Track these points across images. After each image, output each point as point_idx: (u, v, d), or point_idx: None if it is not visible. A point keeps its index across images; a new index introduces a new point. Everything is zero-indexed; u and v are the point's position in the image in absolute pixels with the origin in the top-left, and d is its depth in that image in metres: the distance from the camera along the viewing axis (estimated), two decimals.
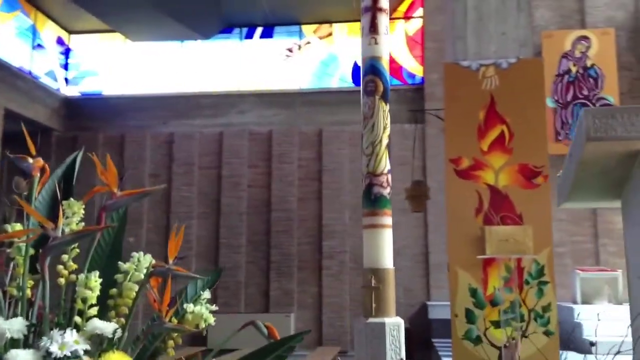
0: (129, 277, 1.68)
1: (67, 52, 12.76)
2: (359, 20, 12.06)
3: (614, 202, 2.00)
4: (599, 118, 1.73)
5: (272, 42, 12.40)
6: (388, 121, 3.65)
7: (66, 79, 12.65)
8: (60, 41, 12.63)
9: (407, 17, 12.11)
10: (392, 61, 11.86)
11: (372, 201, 3.58)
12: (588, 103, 10.69)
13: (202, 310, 1.91)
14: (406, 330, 9.56)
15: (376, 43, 3.69)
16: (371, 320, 3.73)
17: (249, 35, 12.49)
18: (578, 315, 8.87)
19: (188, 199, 11.39)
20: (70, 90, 12.56)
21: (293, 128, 11.45)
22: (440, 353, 8.74)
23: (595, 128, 1.71)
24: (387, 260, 3.47)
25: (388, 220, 3.61)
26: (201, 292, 2.24)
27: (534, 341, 5.08)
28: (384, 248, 3.48)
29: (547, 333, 5.14)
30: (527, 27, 5.69)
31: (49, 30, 12.30)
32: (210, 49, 12.44)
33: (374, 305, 3.43)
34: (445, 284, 10.14)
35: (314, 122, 11.51)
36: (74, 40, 12.82)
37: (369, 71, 3.75)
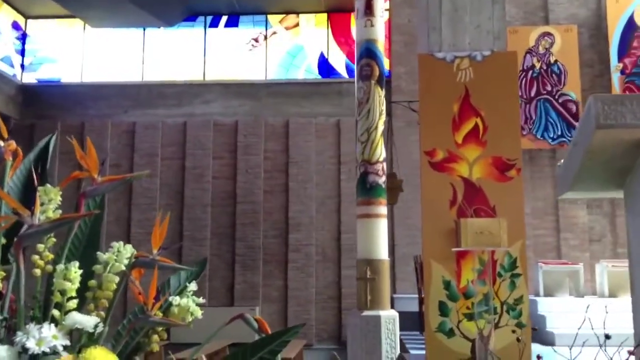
0: (109, 268, 1.60)
1: (23, 38, 12.25)
2: (325, 12, 12.05)
3: (616, 192, 1.97)
4: (608, 104, 1.68)
5: (238, 31, 12.18)
6: (384, 107, 3.54)
7: (22, 65, 12.15)
8: (16, 26, 12.11)
9: None
10: None
11: (367, 190, 3.47)
12: (551, 99, 10.86)
13: (188, 303, 1.82)
14: None
15: (372, 25, 3.55)
16: (366, 313, 3.61)
17: (214, 24, 12.23)
18: (541, 307, 9.03)
19: (150, 190, 11.11)
20: (27, 77, 12.07)
21: (259, 119, 11.29)
22: (407, 346, 8.75)
23: (605, 115, 1.66)
24: (382, 250, 3.37)
25: (383, 209, 3.50)
26: (187, 284, 2.13)
27: (505, 334, 5.10)
28: (379, 238, 3.37)
29: (519, 325, 5.16)
30: (502, 19, 5.68)
31: (4, 14, 11.78)
32: (174, 37, 12.14)
33: (368, 297, 3.31)
34: (411, 277, 10.21)
35: (281, 113, 11.37)
36: (30, 25, 12.31)
37: (364, 54, 3.62)
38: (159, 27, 12.06)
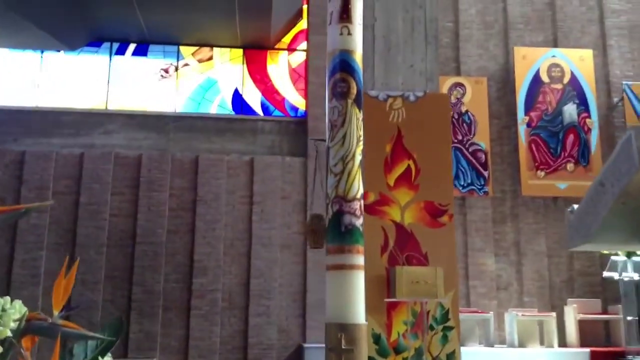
0: None
1: None
2: (241, 47, 11.68)
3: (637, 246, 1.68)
4: None
5: (146, 60, 11.51)
6: (362, 132, 3.09)
7: None
8: None
9: (290, 49, 11.85)
10: (274, 92, 11.51)
11: (342, 234, 2.93)
12: (462, 147, 11.03)
13: None
14: None
15: (349, 34, 3.07)
16: None
17: (121, 51, 11.49)
18: None
19: (38, 227, 9.97)
20: None
21: (165, 154, 10.56)
22: None
23: None
24: (359, 312, 2.80)
25: (360, 259, 2.97)
26: (98, 358, 1.61)
27: None
28: (356, 296, 2.82)
29: None
30: (434, 61, 5.55)
31: None
32: (75, 62, 11.25)
33: None
34: (322, 325, 9.74)
35: (190, 148, 10.72)
36: None
37: (338, 68, 3.15)
38: (59, 51, 11.15)
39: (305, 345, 9.68)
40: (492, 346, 9.31)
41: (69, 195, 10.24)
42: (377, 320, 4.86)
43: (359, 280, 2.91)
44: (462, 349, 9.22)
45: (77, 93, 11.09)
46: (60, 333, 1.16)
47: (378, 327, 4.84)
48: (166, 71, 11.48)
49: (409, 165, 5.19)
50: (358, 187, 2.99)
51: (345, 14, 3.08)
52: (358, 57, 3.18)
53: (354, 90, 3.11)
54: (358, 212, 2.98)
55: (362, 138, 3.11)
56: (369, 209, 5.06)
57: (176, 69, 11.46)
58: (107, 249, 10.02)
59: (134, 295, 9.87)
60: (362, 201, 3.09)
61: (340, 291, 2.84)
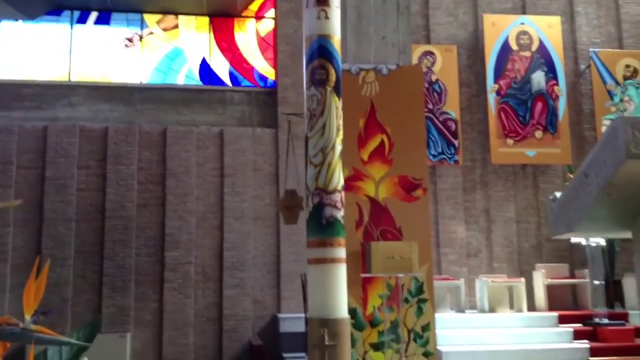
0: None
1: None
2: (207, 15, 11.38)
3: (623, 233, 1.68)
4: (639, 129, 1.37)
5: (109, 29, 11.14)
6: (341, 121, 3.00)
7: None
8: None
9: (258, 16, 11.60)
10: (243, 61, 11.29)
11: (322, 227, 2.86)
12: (432, 116, 11.04)
13: None
14: (257, 346, 9.01)
15: (327, 17, 2.95)
16: None
17: (82, 20, 11.09)
18: None
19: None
20: None
21: (132, 126, 10.33)
22: None
23: (636, 142, 1.35)
24: (342, 306, 2.75)
25: (342, 252, 2.92)
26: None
27: None
28: (338, 290, 2.78)
29: (426, 354, 4.92)
30: (406, 32, 5.48)
31: None
32: (35, 32, 10.83)
33: None
34: (297, 295, 9.80)
35: (157, 120, 10.50)
36: None
37: (317, 54, 3.04)
38: (17, 20, 10.70)
39: (280, 315, 9.75)
40: (463, 312, 9.50)
41: (33, 169, 9.98)
42: (353, 294, 4.88)
43: (341, 274, 2.88)
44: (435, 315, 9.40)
45: (38, 64, 10.70)
46: (33, 339, 1.11)
47: (354, 301, 4.86)
48: (130, 40, 11.14)
49: (382, 139, 5.16)
50: (339, 178, 2.94)
51: None
52: (337, 42, 3.09)
53: (333, 78, 3.03)
54: (339, 204, 2.93)
55: (341, 127, 3.04)
56: (344, 185, 5.03)
57: (140, 38, 11.14)
58: (75, 223, 9.84)
59: (106, 270, 9.75)
60: (342, 193, 3.04)
61: (322, 286, 2.81)
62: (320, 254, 2.88)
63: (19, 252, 9.64)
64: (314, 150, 2.92)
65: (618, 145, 1.37)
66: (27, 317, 1.19)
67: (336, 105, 3.00)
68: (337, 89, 3.05)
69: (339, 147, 2.93)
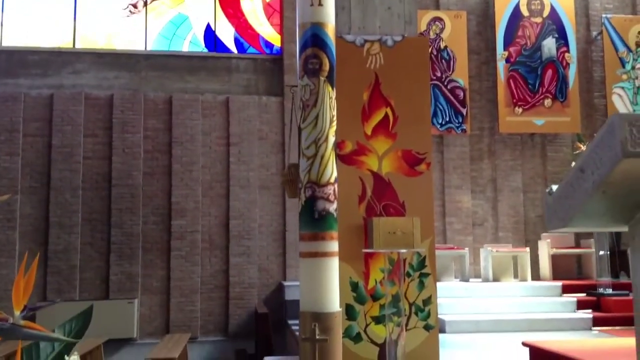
0: None
1: None
2: None
3: (619, 227, 1.66)
4: (637, 127, 1.33)
5: None
6: (335, 112, 2.94)
7: None
8: None
9: None
10: (248, 27, 11.14)
11: (315, 220, 2.84)
12: (440, 85, 10.91)
13: None
14: (262, 313, 9.12)
15: (320, 4, 2.88)
16: None
17: None
18: None
19: (10, 170, 9.78)
20: None
21: (138, 94, 10.28)
22: (298, 334, 8.44)
23: (634, 140, 1.32)
24: (333, 300, 2.75)
25: (334, 246, 2.90)
26: (64, 353, 1.57)
27: (415, 336, 4.87)
28: (330, 284, 2.77)
29: (427, 327, 4.96)
30: (413, 2, 5.36)
31: None
32: None
33: None
34: None
35: (163, 88, 10.44)
36: None
37: (310, 42, 2.99)
38: None
39: (285, 283, 9.85)
40: (468, 281, 9.55)
41: (40, 137, 10.00)
42: (355, 268, 4.91)
43: (333, 267, 2.88)
44: (438, 284, 9.48)
45: (43, 31, 10.62)
46: (20, 335, 1.11)
47: (356, 276, 4.89)
48: (135, 6, 11.00)
49: (386, 113, 5.11)
50: (332, 171, 2.90)
51: None
52: (330, 30, 3.02)
53: (327, 67, 2.96)
54: (332, 197, 2.90)
55: (335, 118, 2.98)
56: (347, 159, 5.02)
57: (145, 4, 10.99)
58: (82, 191, 9.90)
59: (113, 237, 9.85)
60: (335, 185, 3.01)
61: (314, 279, 2.80)
62: (313, 248, 2.87)
63: (27, 220, 9.74)
64: (307, 142, 2.88)
65: (614, 143, 1.34)
66: (17, 312, 1.18)
67: (330, 96, 2.95)
68: (330, 79, 2.99)
69: (332, 139, 2.89)
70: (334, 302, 2.80)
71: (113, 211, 9.90)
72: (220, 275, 9.96)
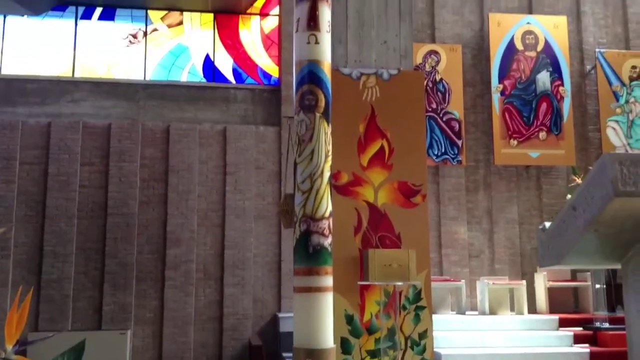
0: None
1: None
2: (212, 12, 11.35)
3: (612, 264, 1.66)
4: (627, 166, 1.35)
5: (114, 25, 11.13)
6: (330, 147, 2.98)
7: None
8: None
9: (263, 14, 11.57)
10: (247, 58, 11.27)
11: (309, 255, 2.85)
12: (436, 116, 11.00)
13: None
14: (256, 345, 9.01)
15: (317, 42, 2.95)
16: None
17: (87, 16, 11.08)
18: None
19: (5, 198, 9.75)
20: None
21: (136, 123, 10.33)
22: None
23: (624, 180, 1.33)
24: (327, 336, 2.74)
25: (329, 281, 2.91)
26: None
27: None
28: (324, 320, 2.76)
29: None
30: (408, 37, 5.44)
31: None
32: (40, 28, 10.84)
33: None
34: None
35: (161, 117, 10.49)
36: None
37: (306, 79, 3.04)
38: (23, 15, 10.71)
39: (280, 314, 9.76)
40: (464, 313, 9.48)
41: (37, 165, 10.00)
42: (351, 300, 4.88)
43: (328, 303, 2.86)
44: (434, 316, 9.41)
45: (43, 60, 10.72)
46: None
47: (351, 308, 4.86)
48: (134, 36, 11.13)
49: (382, 144, 5.14)
50: (327, 205, 2.92)
51: (312, 22, 2.96)
52: (327, 67, 3.07)
53: (322, 104, 3.00)
54: (326, 232, 2.91)
55: (330, 153, 3.01)
56: (343, 190, 5.03)
57: (145, 34, 11.12)
58: (78, 220, 9.87)
59: (107, 267, 9.78)
60: (330, 219, 3.02)
61: (308, 315, 2.79)
62: (307, 283, 2.87)
63: (21, 248, 9.68)
64: (302, 177, 2.90)
65: (605, 181, 1.35)
66: (9, 347, 1.17)
67: (325, 131, 2.98)
68: (326, 115, 3.03)
69: (327, 174, 2.91)
70: (328, 338, 2.77)
71: (108, 240, 9.85)
72: (214, 306, 9.87)
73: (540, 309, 9.81)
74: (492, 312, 9.30)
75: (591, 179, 1.49)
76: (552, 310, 9.61)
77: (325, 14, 3.04)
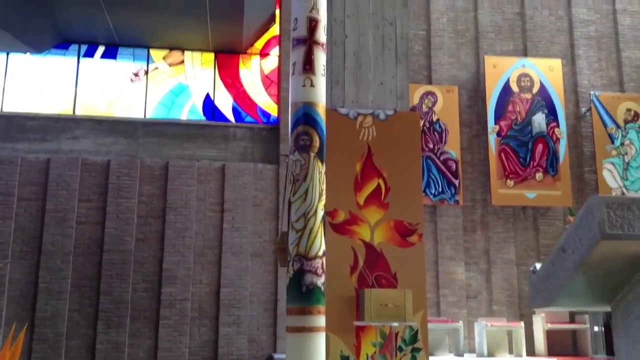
0: None
1: None
2: (212, 52, 11.54)
3: (603, 307, 1.67)
4: (613, 209, 1.38)
5: (115, 63, 11.30)
6: (324, 186, 3.01)
7: None
8: None
9: (263, 54, 11.76)
10: (246, 97, 11.40)
11: (302, 294, 2.85)
12: (433, 156, 11.08)
13: None
14: None
15: (312, 85, 3.04)
16: None
17: (89, 54, 11.26)
18: None
19: (2, 234, 9.72)
20: None
21: (135, 159, 10.38)
22: None
23: (611, 222, 1.36)
24: None
25: (321, 320, 2.90)
26: None
27: None
28: (317, 359, 2.76)
29: None
30: (405, 79, 5.54)
31: None
32: (42, 65, 10.99)
33: None
34: None
35: (160, 154, 10.55)
36: None
37: (302, 121, 3.11)
38: (25, 53, 10.88)
39: (276, 355, 9.62)
40: (462, 355, 9.37)
41: (35, 201, 10.00)
42: (346, 341, 4.83)
43: (320, 343, 2.85)
44: (431, 358, 9.28)
45: (44, 97, 10.83)
46: None
47: (347, 349, 4.81)
48: (136, 75, 11.28)
49: (378, 183, 5.17)
50: (320, 244, 2.93)
51: (308, 65, 3.05)
52: (321, 109, 3.13)
53: (317, 144, 3.06)
54: (320, 271, 2.91)
55: (324, 193, 3.05)
56: (339, 228, 5.03)
57: (146, 72, 11.28)
58: (73, 257, 9.82)
59: (102, 305, 9.68)
60: (324, 259, 3.03)
61: (301, 355, 2.78)
62: (300, 322, 2.86)
63: (16, 285, 9.60)
64: (296, 215, 2.93)
65: (593, 224, 1.37)
66: None
67: (320, 171, 3.02)
68: (320, 155, 3.08)
69: (320, 212, 2.94)
70: None
71: (103, 277, 9.79)
72: (209, 346, 9.74)
73: (538, 352, 9.69)
74: (491, 354, 9.19)
75: (579, 221, 1.51)
76: (551, 352, 9.50)
77: (321, 59, 3.12)
